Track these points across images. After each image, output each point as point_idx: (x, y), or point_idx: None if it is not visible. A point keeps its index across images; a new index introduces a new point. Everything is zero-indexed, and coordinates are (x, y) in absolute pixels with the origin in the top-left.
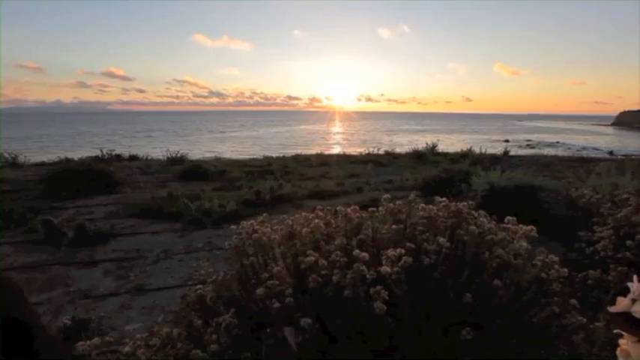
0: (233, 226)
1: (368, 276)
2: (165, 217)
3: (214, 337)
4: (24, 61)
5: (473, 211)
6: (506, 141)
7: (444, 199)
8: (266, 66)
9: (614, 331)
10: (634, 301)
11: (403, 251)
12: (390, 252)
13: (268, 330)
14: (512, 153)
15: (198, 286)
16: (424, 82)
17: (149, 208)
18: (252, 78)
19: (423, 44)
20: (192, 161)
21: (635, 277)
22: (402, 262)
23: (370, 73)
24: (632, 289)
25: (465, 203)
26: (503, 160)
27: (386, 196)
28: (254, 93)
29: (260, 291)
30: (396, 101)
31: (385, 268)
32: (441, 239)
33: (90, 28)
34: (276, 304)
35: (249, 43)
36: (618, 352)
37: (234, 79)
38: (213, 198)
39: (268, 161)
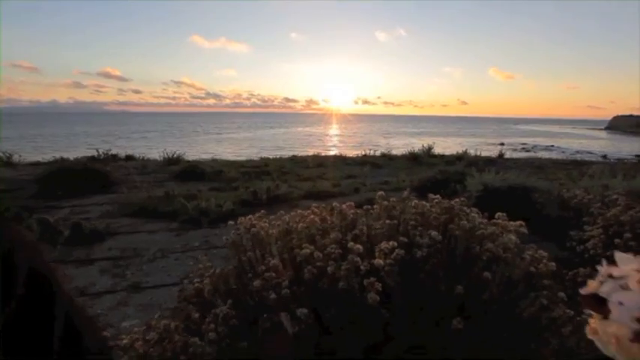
0: (231, 222)
1: (362, 267)
2: (162, 216)
3: (212, 326)
4: (19, 60)
5: (464, 207)
6: (502, 144)
7: (437, 196)
8: (263, 68)
9: (585, 311)
10: (601, 282)
11: (395, 244)
12: (383, 245)
13: (265, 315)
14: (507, 156)
15: (196, 280)
16: (420, 86)
17: (145, 207)
18: (250, 80)
19: (419, 48)
20: (188, 162)
21: (604, 260)
22: (395, 254)
23: (367, 75)
24: (600, 273)
25: (457, 199)
26: (497, 163)
27: (380, 193)
28: (251, 95)
29: (257, 283)
30: (392, 104)
31: (378, 261)
32: (433, 233)
33: (86, 28)
34: (273, 295)
35: (247, 45)
36: (587, 330)
37: (231, 80)
38: (209, 198)
39: (265, 162)
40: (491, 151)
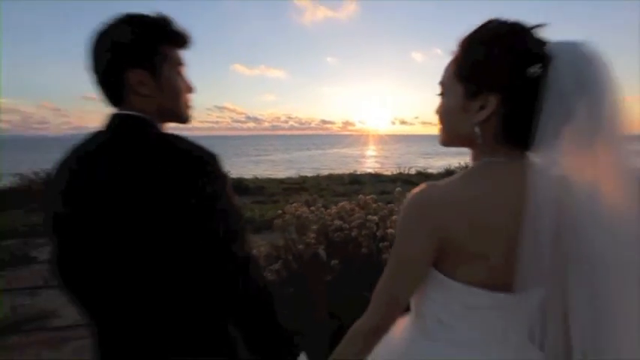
0: (279, 211)
1: (378, 234)
2: None
3: (268, 274)
4: (89, 93)
5: None
6: None
7: None
8: (301, 92)
9: None
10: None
11: None
12: (394, 217)
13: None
14: None
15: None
16: None
17: None
18: (288, 103)
19: None
20: (233, 178)
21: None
22: None
23: (404, 96)
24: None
25: None
26: None
27: (398, 189)
28: (289, 118)
29: (300, 246)
30: (430, 124)
31: (391, 230)
32: None
33: None
34: (311, 251)
35: (285, 70)
36: None
37: (270, 104)
38: (253, 209)
39: (303, 179)
40: None
